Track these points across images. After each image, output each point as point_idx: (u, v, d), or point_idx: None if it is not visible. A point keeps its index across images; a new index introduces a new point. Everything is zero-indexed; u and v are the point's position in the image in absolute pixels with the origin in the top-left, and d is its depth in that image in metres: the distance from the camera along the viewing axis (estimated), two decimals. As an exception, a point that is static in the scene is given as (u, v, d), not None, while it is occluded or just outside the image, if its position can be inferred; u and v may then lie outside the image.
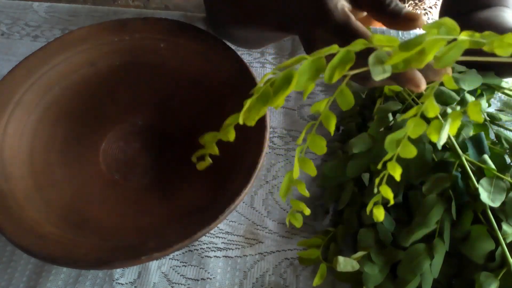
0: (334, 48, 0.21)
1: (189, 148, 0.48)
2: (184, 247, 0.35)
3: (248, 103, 0.22)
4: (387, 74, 0.20)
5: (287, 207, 0.46)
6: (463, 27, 0.19)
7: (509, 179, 0.37)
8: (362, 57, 0.25)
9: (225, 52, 0.46)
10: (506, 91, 0.49)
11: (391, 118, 0.44)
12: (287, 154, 0.50)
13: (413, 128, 0.26)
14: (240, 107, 0.23)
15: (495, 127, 0.47)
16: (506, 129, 0.47)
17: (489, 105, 0.51)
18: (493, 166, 0.38)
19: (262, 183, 0.47)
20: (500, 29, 0.50)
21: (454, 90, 0.47)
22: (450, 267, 0.38)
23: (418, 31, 0.64)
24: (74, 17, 0.63)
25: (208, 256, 0.42)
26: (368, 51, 0.21)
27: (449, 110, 0.44)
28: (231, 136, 0.26)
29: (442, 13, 0.61)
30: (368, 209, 0.33)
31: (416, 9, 0.74)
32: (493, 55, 0.19)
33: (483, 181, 0.37)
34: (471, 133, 0.42)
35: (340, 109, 0.54)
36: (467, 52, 0.19)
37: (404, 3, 0.71)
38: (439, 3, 0.72)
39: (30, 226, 0.36)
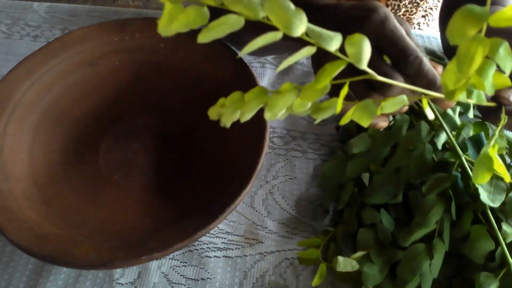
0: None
1: (189, 148, 0.48)
2: (184, 247, 0.35)
3: None
4: None
5: (287, 207, 0.46)
6: None
7: (509, 179, 0.37)
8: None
9: (225, 52, 0.46)
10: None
11: (391, 118, 0.44)
12: (287, 154, 0.50)
13: None
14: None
15: (495, 127, 0.47)
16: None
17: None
18: (493, 166, 0.38)
19: (262, 183, 0.47)
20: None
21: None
22: (450, 267, 0.38)
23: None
24: (74, 17, 0.63)
25: (208, 256, 0.42)
26: None
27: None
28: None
29: (443, 11, 0.61)
30: None
31: (419, 10, 0.74)
32: None
33: (483, 181, 0.37)
34: (471, 133, 0.42)
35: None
36: None
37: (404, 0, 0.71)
38: (440, 5, 0.72)
39: (30, 226, 0.36)
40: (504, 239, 0.35)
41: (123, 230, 0.40)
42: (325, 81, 0.21)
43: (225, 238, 0.43)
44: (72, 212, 0.41)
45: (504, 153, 0.42)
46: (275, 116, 0.25)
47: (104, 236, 0.39)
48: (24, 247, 0.34)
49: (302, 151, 0.50)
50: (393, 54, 0.32)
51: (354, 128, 0.48)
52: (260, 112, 0.43)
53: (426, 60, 0.31)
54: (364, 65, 0.21)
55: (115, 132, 0.49)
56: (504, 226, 0.36)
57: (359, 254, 0.39)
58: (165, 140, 0.49)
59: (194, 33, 0.51)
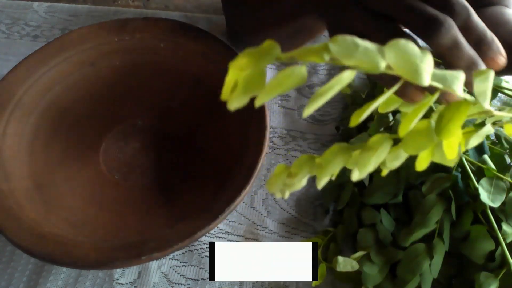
0: None
1: (189, 148, 0.48)
2: (184, 247, 0.35)
3: None
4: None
5: (287, 207, 0.46)
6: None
7: (509, 179, 0.37)
8: None
9: (225, 52, 0.46)
10: (506, 91, 0.49)
11: (391, 118, 0.44)
12: (287, 154, 0.50)
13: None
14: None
15: (495, 127, 0.47)
16: (506, 129, 0.47)
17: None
18: (493, 166, 0.38)
19: (262, 183, 0.47)
20: (508, 26, 0.49)
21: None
22: (450, 267, 0.38)
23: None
24: (74, 17, 0.63)
25: (208, 256, 0.42)
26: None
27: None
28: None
29: None
30: None
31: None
32: None
33: (483, 181, 0.37)
34: (471, 133, 0.42)
35: (340, 108, 0.54)
36: None
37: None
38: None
39: (30, 226, 0.36)
40: (504, 239, 0.35)
41: (123, 230, 0.40)
42: (456, 133, 0.18)
43: (225, 238, 0.43)
44: (72, 212, 0.41)
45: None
46: (365, 175, 0.21)
47: (104, 236, 0.39)
48: (24, 247, 0.34)
49: (302, 151, 0.50)
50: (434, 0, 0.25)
51: (354, 128, 0.48)
52: (260, 112, 0.43)
53: (474, 13, 0.25)
54: (488, 105, 0.18)
55: (115, 132, 0.49)
56: (504, 226, 0.36)
57: (359, 254, 0.39)
58: (165, 140, 0.49)
59: (194, 33, 0.51)
